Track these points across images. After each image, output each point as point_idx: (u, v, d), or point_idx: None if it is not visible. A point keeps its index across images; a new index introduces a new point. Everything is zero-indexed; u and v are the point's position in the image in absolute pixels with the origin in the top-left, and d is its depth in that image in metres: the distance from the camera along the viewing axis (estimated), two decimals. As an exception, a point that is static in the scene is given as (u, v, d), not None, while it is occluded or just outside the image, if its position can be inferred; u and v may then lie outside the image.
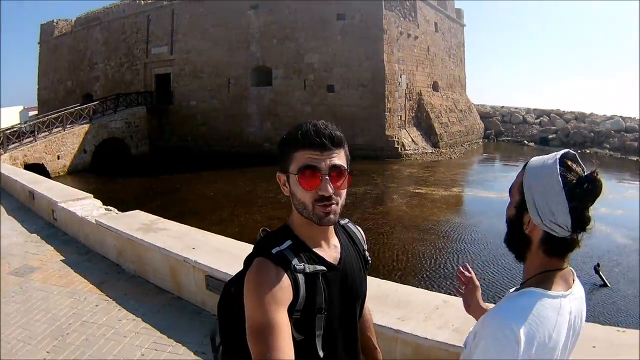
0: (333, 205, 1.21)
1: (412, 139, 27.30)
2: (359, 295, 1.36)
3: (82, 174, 24.22)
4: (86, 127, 25.53)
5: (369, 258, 1.44)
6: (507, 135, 36.64)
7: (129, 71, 32.31)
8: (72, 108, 26.01)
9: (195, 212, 14.24)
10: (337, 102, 25.42)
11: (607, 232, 11.78)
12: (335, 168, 1.21)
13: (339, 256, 1.31)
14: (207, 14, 28.68)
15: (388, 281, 3.61)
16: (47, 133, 23.73)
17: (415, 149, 26.64)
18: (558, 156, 1.13)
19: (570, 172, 1.11)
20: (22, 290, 5.20)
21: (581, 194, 1.08)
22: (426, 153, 26.82)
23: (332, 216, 1.22)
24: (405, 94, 27.87)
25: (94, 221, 6.25)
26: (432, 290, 7.36)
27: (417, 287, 7.77)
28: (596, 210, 1.13)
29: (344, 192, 1.25)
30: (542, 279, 1.14)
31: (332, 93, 25.56)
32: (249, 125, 27.35)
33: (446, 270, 9.18)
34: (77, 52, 36.30)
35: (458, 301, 2.59)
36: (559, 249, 1.14)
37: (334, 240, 1.34)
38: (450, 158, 26.94)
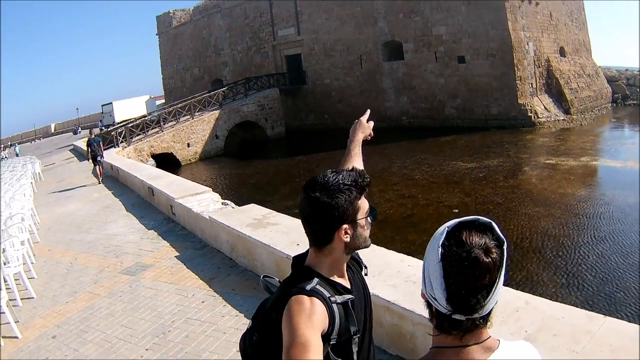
0: None
1: (544, 107, 26.89)
2: (367, 303, 1.50)
3: (215, 159, 24.40)
4: (216, 113, 25.83)
5: (365, 265, 1.59)
6: (633, 99, 34.85)
7: (257, 54, 33.57)
8: (199, 96, 26.58)
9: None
10: (469, 72, 25.39)
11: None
12: None
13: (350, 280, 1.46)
14: (329, -8, 29.06)
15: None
16: (174, 122, 24.06)
17: (548, 117, 26.23)
18: (449, 226, 1.02)
19: (462, 246, 0.97)
20: (130, 289, 5.32)
21: (457, 273, 0.96)
22: (558, 120, 26.32)
23: None
24: (534, 61, 27.36)
25: (208, 217, 6.34)
26: (549, 271, 7.78)
27: (537, 269, 7.96)
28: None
29: None
30: (433, 354, 1.04)
31: (463, 64, 25.57)
32: (385, 100, 27.77)
33: (564, 251, 8.76)
34: (200, 40, 38.00)
35: (541, 302, 2.96)
36: (445, 326, 1.01)
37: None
38: (582, 125, 26.25)
